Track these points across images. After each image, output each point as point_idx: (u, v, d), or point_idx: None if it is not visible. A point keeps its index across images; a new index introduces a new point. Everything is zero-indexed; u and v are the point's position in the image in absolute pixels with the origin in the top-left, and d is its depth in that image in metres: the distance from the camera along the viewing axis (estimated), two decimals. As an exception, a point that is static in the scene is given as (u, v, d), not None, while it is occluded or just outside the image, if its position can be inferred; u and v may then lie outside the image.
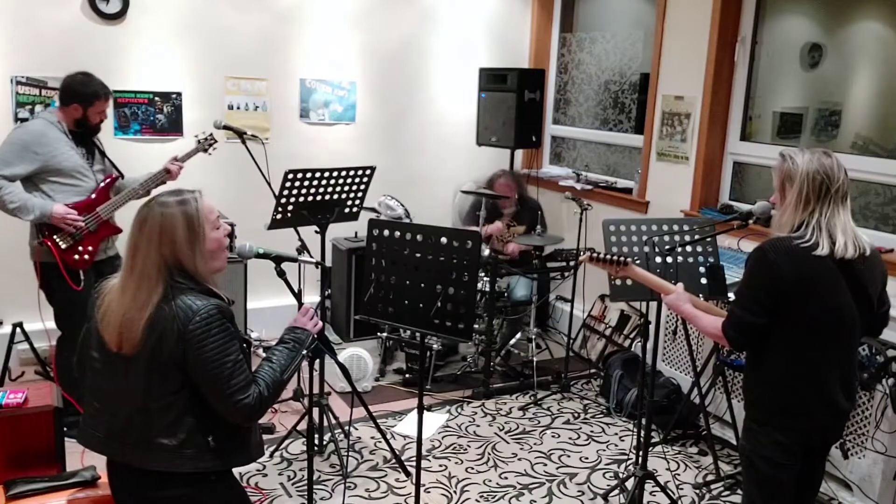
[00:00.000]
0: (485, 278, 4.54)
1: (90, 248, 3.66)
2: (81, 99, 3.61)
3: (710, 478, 3.75)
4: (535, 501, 3.51)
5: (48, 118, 3.63)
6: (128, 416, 2.07)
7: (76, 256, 3.62)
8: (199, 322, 1.99)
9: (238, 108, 5.04)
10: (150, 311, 2.00)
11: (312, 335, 2.31)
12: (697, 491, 3.64)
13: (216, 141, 3.98)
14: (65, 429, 2.84)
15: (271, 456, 3.75)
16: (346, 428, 3.91)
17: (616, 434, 4.19)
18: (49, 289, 3.70)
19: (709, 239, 3.15)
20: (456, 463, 3.81)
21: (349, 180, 3.71)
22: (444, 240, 2.64)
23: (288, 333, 2.28)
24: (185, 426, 2.04)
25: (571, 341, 4.83)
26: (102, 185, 3.72)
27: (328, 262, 4.79)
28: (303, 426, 3.77)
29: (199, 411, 2.06)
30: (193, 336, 1.98)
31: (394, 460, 3.73)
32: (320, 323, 2.39)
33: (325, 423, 3.77)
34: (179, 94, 4.86)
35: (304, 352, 2.27)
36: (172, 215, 2.05)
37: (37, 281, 3.70)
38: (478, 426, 4.21)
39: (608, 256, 2.75)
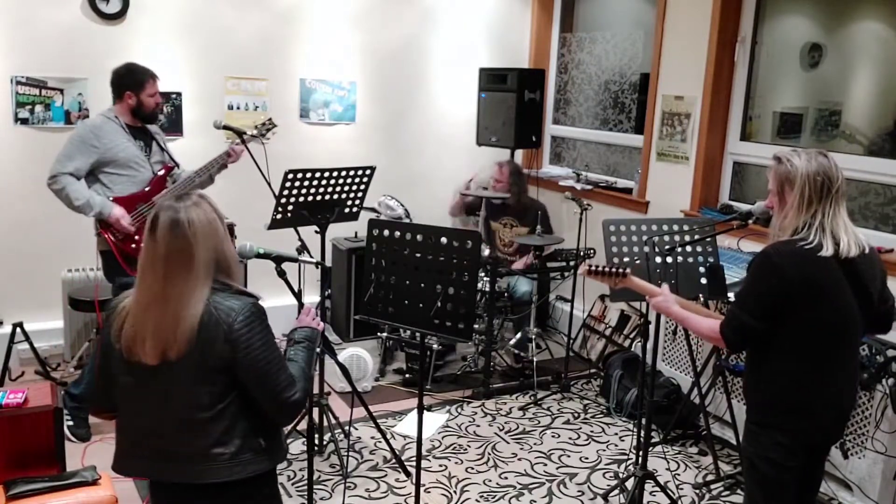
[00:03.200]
0: (485, 278, 4.54)
1: None
2: (131, 86, 3.74)
3: (710, 478, 3.75)
4: (535, 501, 3.52)
5: (106, 114, 3.78)
6: (175, 432, 1.99)
7: (133, 245, 3.71)
8: (244, 321, 1.96)
9: (238, 108, 5.05)
10: (202, 308, 1.94)
11: (319, 332, 2.32)
12: (697, 491, 3.64)
13: (275, 126, 3.99)
14: (69, 423, 2.84)
15: (271, 456, 3.75)
16: (346, 428, 3.91)
17: (616, 434, 4.19)
18: (109, 276, 3.82)
19: (709, 239, 3.14)
20: (456, 463, 3.81)
21: (349, 180, 3.72)
22: (444, 240, 2.64)
23: (297, 333, 2.26)
24: (239, 432, 2.00)
25: (571, 341, 4.83)
26: (158, 175, 3.82)
27: (328, 262, 4.79)
28: (303, 426, 3.77)
29: (248, 414, 2.02)
30: (240, 335, 1.95)
31: (394, 460, 3.73)
32: (322, 323, 2.38)
33: (325, 423, 3.77)
34: (179, 94, 4.86)
35: (318, 349, 2.27)
36: (210, 212, 2.01)
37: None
38: (478, 426, 4.21)
39: (606, 269, 2.68)
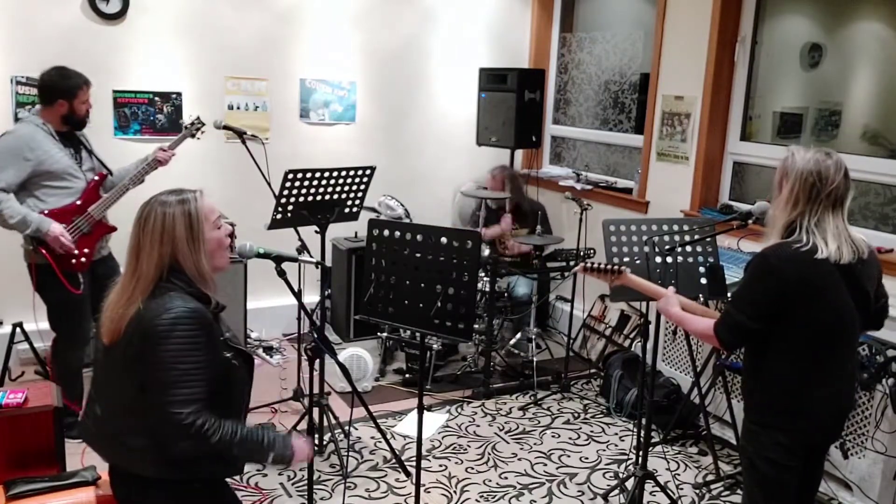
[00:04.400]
0: (485, 278, 4.54)
1: (86, 249, 3.63)
2: (64, 93, 3.54)
3: (710, 478, 3.75)
4: (535, 501, 3.51)
5: (33, 121, 3.55)
6: (106, 409, 2.08)
7: (73, 260, 3.59)
8: (165, 321, 1.95)
9: (238, 108, 5.04)
10: (135, 309, 2.01)
11: (288, 457, 2.16)
12: (697, 491, 3.64)
13: (204, 124, 3.94)
14: (64, 429, 2.84)
15: (271, 456, 3.75)
16: (346, 428, 3.91)
17: (616, 434, 4.19)
18: (44, 291, 3.66)
19: (709, 239, 3.14)
20: (456, 463, 3.81)
21: (349, 180, 3.72)
22: (444, 240, 2.64)
23: (273, 432, 2.15)
24: (148, 429, 2.00)
25: (571, 341, 4.83)
26: (91, 185, 3.66)
27: (328, 262, 4.79)
28: (303, 426, 3.77)
29: None
30: (155, 334, 1.95)
31: (394, 460, 3.73)
32: (306, 461, 2.25)
33: (325, 423, 3.77)
34: (179, 94, 4.86)
35: (268, 460, 2.11)
36: (173, 214, 2.05)
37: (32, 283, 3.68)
38: (478, 426, 4.21)
39: (602, 266, 2.72)
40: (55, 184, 3.55)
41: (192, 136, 3.90)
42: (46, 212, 3.51)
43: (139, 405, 2.00)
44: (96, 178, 3.70)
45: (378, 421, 3.87)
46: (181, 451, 1.98)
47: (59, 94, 3.53)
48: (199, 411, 1.95)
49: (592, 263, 2.73)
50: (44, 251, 3.51)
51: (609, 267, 2.71)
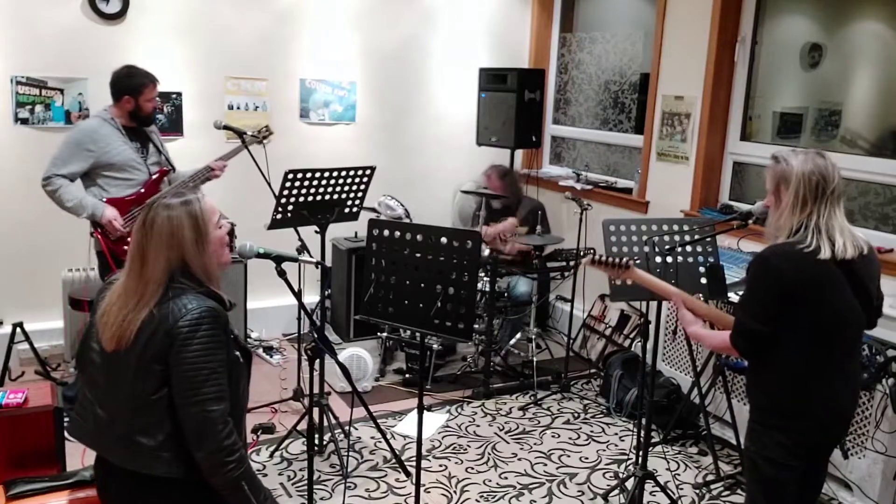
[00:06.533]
0: (485, 278, 4.54)
1: None
2: (130, 90, 3.75)
3: (710, 478, 3.75)
4: (535, 501, 3.52)
5: (102, 115, 3.78)
6: (114, 411, 2.06)
7: (125, 248, 3.67)
8: (189, 321, 1.97)
9: (238, 108, 5.04)
10: (146, 313, 2.00)
11: None
12: (697, 491, 3.64)
13: (271, 133, 4.03)
14: (66, 424, 2.85)
15: (271, 456, 3.75)
16: (346, 428, 3.91)
17: (616, 434, 4.19)
18: (101, 277, 3.85)
19: (709, 239, 3.14)
20: (456, 463, 3.81)
21: (349, 180, 3.72)
22: (444, 240, 2.64)
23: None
24: (165, 428, 2.01)
25: (571, 341, 4.83)
26: (153, 178, 3.83)
27: (328, 262, 4.79)
28: (303, 426, 3.77)
29: (176, 416, 2.03)
30: (180, 333, 1.96)
31: (394, 460, 3.73)
32: None
33: (325, 423, 3.77)
34: (179, 94, 4.86)
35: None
36: (179, 217, 2.05)
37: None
38: (478, 426, 4.21)
39: (610, 259, 2.69)
40: (117, 175, 3.75)
41: (259, 142, 3.93)
42: (106, 200, 3.71)
43: (155, 405, 2.01)
44: (158, 173, 3.86)
45: (378, 421, 3.87)
46: (207, 449, 1.99)
47: (125, 91, 3.76)
48: (226, 406, 2.00)
49: (600, 256, 2.70)
50: (98, 235, 3.70)
51: (617, 261, 2.67)
